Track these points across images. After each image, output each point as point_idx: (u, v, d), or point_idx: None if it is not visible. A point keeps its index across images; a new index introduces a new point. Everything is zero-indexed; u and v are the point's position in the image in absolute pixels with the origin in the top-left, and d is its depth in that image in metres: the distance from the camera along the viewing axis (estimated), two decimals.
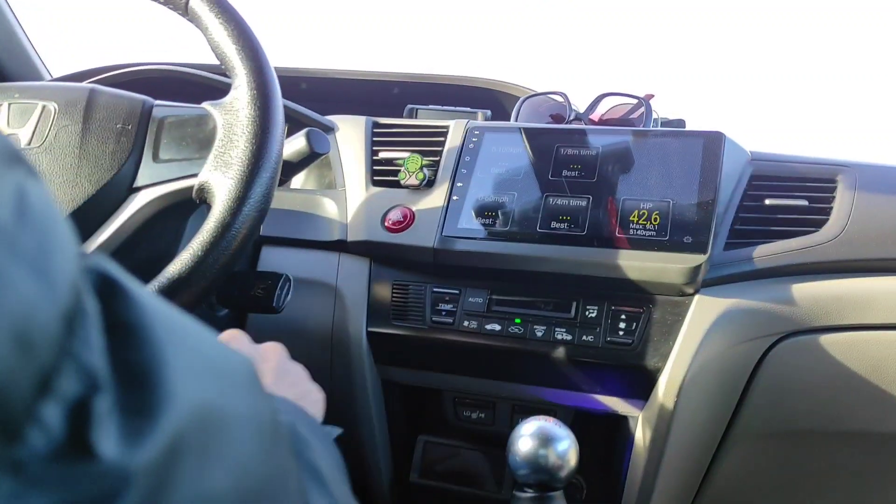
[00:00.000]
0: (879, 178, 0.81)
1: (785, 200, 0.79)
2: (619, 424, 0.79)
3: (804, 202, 0.79)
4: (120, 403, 0.19)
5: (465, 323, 0.78)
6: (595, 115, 0.96)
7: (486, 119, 1.00)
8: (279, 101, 0.62)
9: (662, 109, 0.97)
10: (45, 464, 0.17)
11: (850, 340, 0.73)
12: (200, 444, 0.21)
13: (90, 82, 0.80)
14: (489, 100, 1.19)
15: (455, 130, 0.88)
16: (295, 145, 0.72)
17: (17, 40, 1.15)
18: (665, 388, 0.72)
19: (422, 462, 0.88)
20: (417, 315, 0.81)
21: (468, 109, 1.02)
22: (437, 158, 0.87)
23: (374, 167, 0.89)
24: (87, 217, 0.65)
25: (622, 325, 0.74)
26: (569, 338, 0.75)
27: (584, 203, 0.78)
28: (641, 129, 0.84)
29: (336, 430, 0.47)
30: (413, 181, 0.84)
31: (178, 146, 0.66)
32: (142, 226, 0.66)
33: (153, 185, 0.66)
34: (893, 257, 0.76)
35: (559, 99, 0.97)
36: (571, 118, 0.94)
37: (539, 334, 0.76)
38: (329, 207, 0.88)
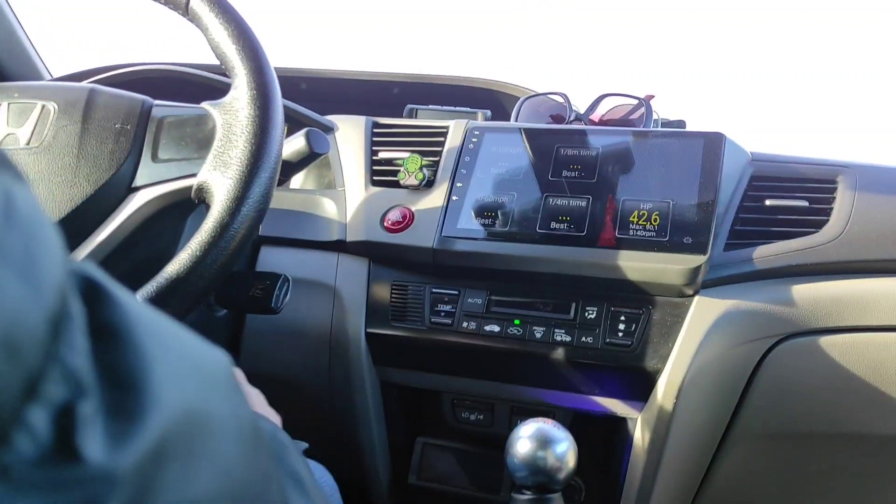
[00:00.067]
0: (880, 179, 0.80)
1: (785, 201, 0.79)
2: (618, 426, 0.79)
3: (804, 203, 0.79)
4: (105, 407, 0.19)
5: (464, 324, 0.78)
6: (595, 116, 0.95)
7: (486, 119, 1.00)
8: (279, 102, 0.62)
9: (663, 110, 0.97)
10: (31, 468, 0.17)
11: (850, 342, 0.73)
12: (185, 446, 0.21)
13: (90, 82, 0.80)
14: (489, 100, 1.19)
15: (455, 130, 0.88)
16: (294, 145, 0.72)
17: (17, 40, 1.15)
18: (664, 390, 0.72)
19: (420, 464, 0.88)
20: (416, 316, 0.80)
21: (468, 109, 1.02)
22: (436, 158, 0.86)
23: (374, 167, 0.89)
24: (86, 217, 0.65)
25: (621, 326, 0.74)
26: (568, 339, 0.75)
27: (583, 203, 0.78)
28: (642, 129, 0.84)
29: (303, 445, 0.47)
30: (412, 181, 0.84)
31: (178, 146, 0.66)
32: (140, 226, 0.66)
33: (152, 185, 0.66)
34: (894, 258, 0.76)
35: (559, 99, 0.97)
36: (571, 118, 0.94)
37: (538, 335, 0.76)
38: (328, 207, 0.88)
